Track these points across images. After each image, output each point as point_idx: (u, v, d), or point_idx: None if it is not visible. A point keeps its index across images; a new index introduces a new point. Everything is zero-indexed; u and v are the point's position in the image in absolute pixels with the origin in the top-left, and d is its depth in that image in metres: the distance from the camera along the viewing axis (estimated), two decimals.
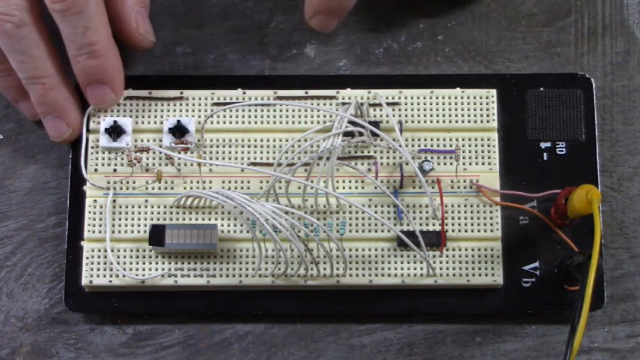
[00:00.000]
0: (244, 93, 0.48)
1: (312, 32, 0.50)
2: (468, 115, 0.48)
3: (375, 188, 0.47)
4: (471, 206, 0.47)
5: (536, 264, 0.47)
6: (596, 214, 0.41)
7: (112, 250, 0.46)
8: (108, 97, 0.47)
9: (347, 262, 0.46)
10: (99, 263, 0.46)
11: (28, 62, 0.45)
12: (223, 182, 0.47)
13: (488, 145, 0.47)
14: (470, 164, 0.47)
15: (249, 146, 0.47)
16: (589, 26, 0.50)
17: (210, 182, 0.47)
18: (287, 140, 0.47)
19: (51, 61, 0.45)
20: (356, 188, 0.47)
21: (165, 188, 0.47)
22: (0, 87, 0.47)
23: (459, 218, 0.47)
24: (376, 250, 0.46)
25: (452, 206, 0.47)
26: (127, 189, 0.47)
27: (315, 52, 0.50)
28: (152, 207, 0.47)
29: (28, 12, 0.44)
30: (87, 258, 0.46)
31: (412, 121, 0.47)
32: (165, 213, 0.47)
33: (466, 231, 0.47)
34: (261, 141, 0.47)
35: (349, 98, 0.48)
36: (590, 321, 0.47)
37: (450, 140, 0.47)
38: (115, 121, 0.47)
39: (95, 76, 0.46)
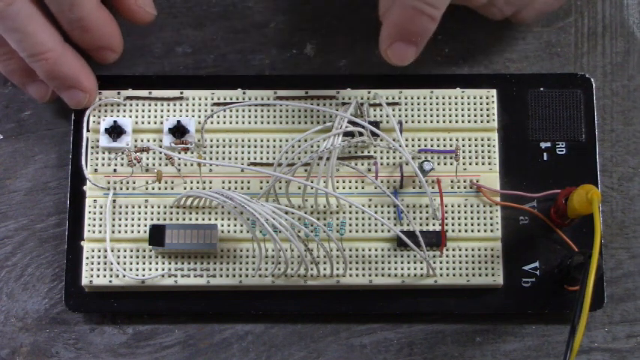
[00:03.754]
0: (244, 93, 0.48)
1: (314, 33, 0.50)
2: (468, 115, 0.48)
3: (375, 188, 0.47)
4: (471, 206, 0.47)
5: (536, 264, 0.47)
6: (596, 214, 0.41)
7: (112, 250, 0.46)
8: (110, 58, 0.47)
9: (347, 262, 0.46)
10: (99, 263, 0.46)
11: (25, 40, 0.44)
12: (223, 182, 0.47)
13: (489, 145, 0.47)
14: (470, 164, 0.47)
15: (249, 146, 0.47)
16: (589, 26, 0.50)
17: (210, 182, 0.47)
18: (287, 140, 0.47)
19: (49, 36, 0.45)
20: (356, 188, 0.47)
21: (166, 188, 0.47)
22: (5, 72, 0.47)
23: (459, 218, 0.47)
24: (376, 250, 0.46)
25: (452, 206, 0.47)
26: (127, 189, 0.47)
27: (315, 52, 0.50)
28: (152, 207, 0.47)
29: None
30: (87, 258, 0.46)
31: (412, 121, 0.47)
32: (165, 213, 0.47)
33: (466, 231, 0.47)
34: (261, 141, 0.47)
35: (349, 98, 0.48)
36: (590, 321, 0.47)
37: (450, 140, 0.47)
38: (115, 121, 0.47)
39: (93, 45, 0.46)
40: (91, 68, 0.47)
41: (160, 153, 0.47)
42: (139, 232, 0.47)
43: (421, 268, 0.46)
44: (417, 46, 0.45)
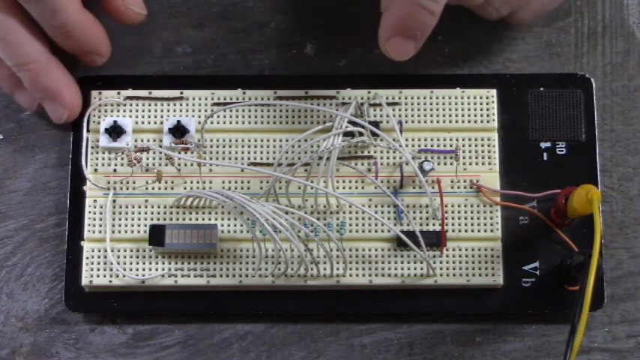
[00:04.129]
0: (244, 93, 0.48)
1: (314, 33, 0.50)
2: (468, 115, 0.48)
3: (375, 188, 0.47)
4: (471, 206, 0.47)
5: (536, 264, 0.47)
6: (596, 214, 0.41)
7: (112, 250, 0.46)
8: (98, 62, 0.47)
9: (347, 262, 0.46)
10: (99, 263, 0.46)
11: (8, 49, 0.44)
12: (223, 182, 0.47)
13: (489, 145, 0.47)
14: (470, 164, 0.47)
15: (249, 146, 0.47)
16: (589, 26, 0.50)
17: (210, 182, 0.47)
18: (287, 140, 0.47)
19: (34, 46, 0.45)
20: (356, 188, 0.47)
21: (166, 188, 0.47)
22: None
23: (459, 218, 0.47)
24: (376, 250, 0.46)
25: (452, 206, 0.47)
26: (127, 189, 0.47)
27: (315, 52, 0.50)
28: (152, 207, 0.47)
29: None
30: (87, 258, 0.46)
31: (412, 121, 0.47)
32: (165, 213, 0.47)
33: (466, 231, 0.47)
34: (261, 141, 0.48)
35: (349, 98, 0.48)
36: (590, 321, 0.47)
37: (450, 140, 0.47)
38: (115, 121, 0.47)
39: (80, 50, 0.46)
40: (77, 84, 0.47)
41: (160, 153, 0.47)
42: (139, 232, 0.47)
43: (421, 268, 0.46)
44: (417, 41, 0.44)
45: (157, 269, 0.46)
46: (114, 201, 0.47)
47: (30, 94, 0.47)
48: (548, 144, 0.48)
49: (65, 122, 0.47)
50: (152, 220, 0.47)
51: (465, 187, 0.47)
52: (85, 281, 0.46)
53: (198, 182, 0.47)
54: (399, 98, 0.48)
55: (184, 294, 0.47)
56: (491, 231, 0.47)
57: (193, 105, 0.48)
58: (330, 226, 0.46)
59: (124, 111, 0.48)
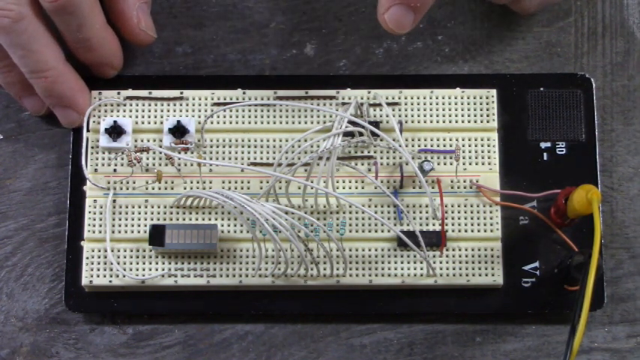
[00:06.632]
0: (244, 93, 0.48)
1: (314, 33, 0.50)
2: (468, 115, 0.48)
3: (375, 188, 0.47)
4: (471, 206, 0.47)
5: (536, 264, 0.47)
6: (596, 214, 0.41)
7: (112, 250, 0.46)
8: (109, 74, 0.48)
9: (347, 262, 0.46)
10: (99, 263, 0.46)
11: (28, 56, 0.45)
12: (223, 182, 0.47)
13: (488, 145, 0.47)
14: (470, 164, 0.47)
15: (249, 146, 0.47)
16: (589, 26, 0.50)
17: (210, 182, 0.47)
18: (287, 140, 0.47)
19: (52, 54, 0.45)
20: (356, 188, 0.47)
21: (166, 188, 0.47)
22: (3, 83, 0.47)
23: (459, 218, 0.47)
24: (376, 250, 0.46)
25: (452, 206, 0.47)
26: (127, 189, 0.47)
27: (315, 52, 0.50)
28: (152, 207, 0.47)
29: (26, 6, 0.44)
30: (87, 258, 0.46)
31: (412, 121, 0.48)
32: (165, 213, 0.47)
33: (466, 231, 0.47)
34: (261, 141, 0.48)
35: (349, 98, 0.48)
36: (590, 321, 0.47)
37: (450, 140, 0.47)
38: (115, 121, 0.47)
39: (95, 62, 0.47)
40: (88, 89, 0.47)
41: (160, 153, 0.47)
42: (139, 232, 0.47)
43: (421, 268, 0.46)
44: (416, 14, 0.43)
45: (156, 269, 0.46)
46: (114, 201, 0.47)
47: (40, 99, 0.47)
48: (548, 144, 0.48)
49: (76, 127, 0.47)
50: (152, 220, 0.47)
51: (465, 187, 0.47)
52: (85, 281, 0.46)
53: (198, 182, 0.47)
54: (399, 98, 0.48)
55: (184, 294, 0.47)
56: (491, 231, 0.47)
57: (193, 105, 0.48)
58: (330, 226, 0.46)
59: (124, 111, 0.48)
